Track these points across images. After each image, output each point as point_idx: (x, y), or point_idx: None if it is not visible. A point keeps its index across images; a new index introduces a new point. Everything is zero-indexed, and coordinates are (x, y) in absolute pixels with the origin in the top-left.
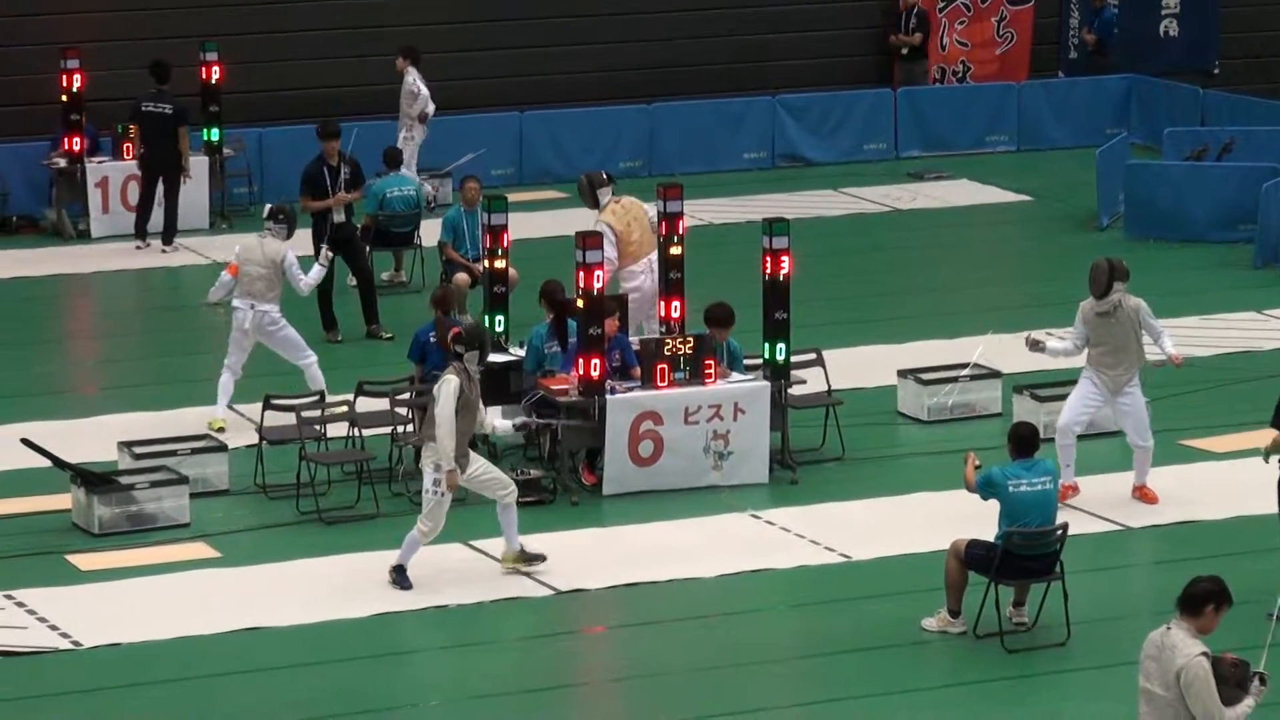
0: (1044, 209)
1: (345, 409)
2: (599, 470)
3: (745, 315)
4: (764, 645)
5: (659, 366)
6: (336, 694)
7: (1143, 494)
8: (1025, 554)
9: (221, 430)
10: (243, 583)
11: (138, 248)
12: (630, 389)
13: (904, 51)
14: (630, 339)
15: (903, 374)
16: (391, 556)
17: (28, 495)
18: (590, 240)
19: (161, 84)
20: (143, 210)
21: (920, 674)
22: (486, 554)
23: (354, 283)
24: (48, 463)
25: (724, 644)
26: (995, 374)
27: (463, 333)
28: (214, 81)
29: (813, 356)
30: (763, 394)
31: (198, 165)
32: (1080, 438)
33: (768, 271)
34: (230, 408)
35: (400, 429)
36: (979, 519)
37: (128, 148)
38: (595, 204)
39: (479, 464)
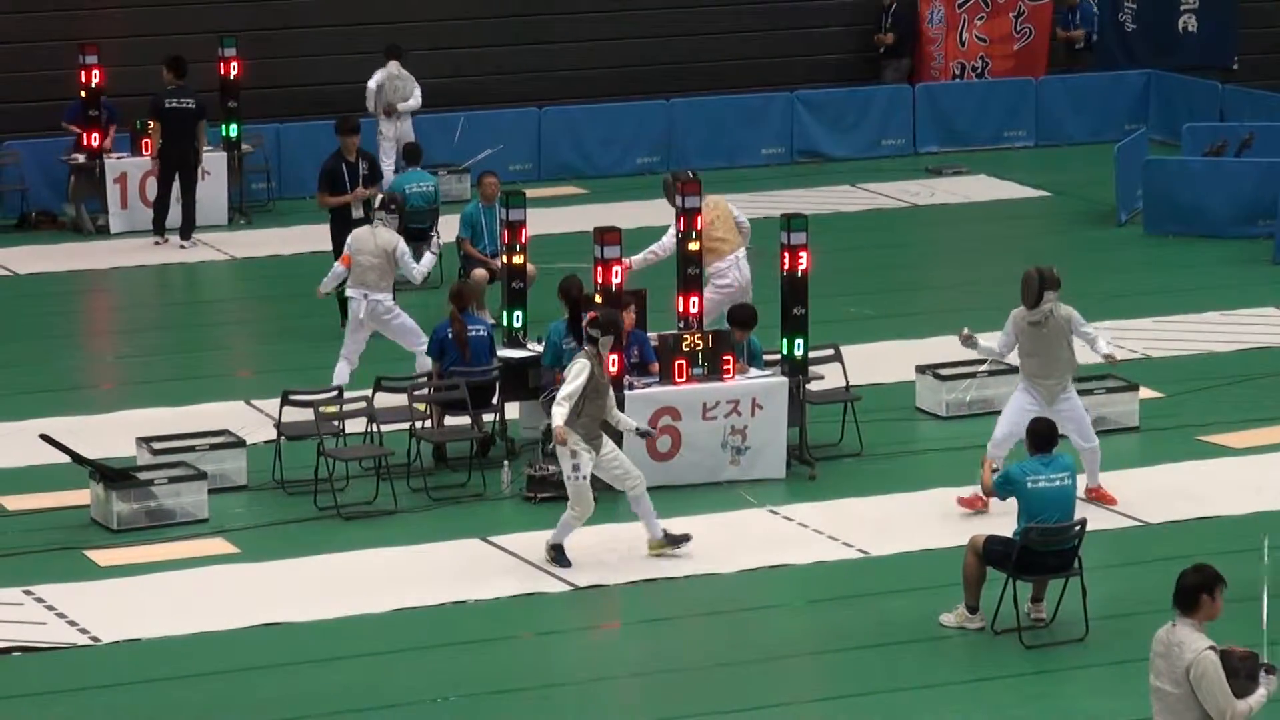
0: (1062, 204)
1: (364, 404)
2: None
3: (763, 311)
4: (782, 641)
5: (677, 362)
6: (356, 689)
7: (1098, 495)
8: (1044, 549)
9: (335, 419)
10: (261, 578)
11: (156, 243)
12: (649, 384)
13: (881, 50)
14: (649, 334)
15: (921, 369)
16: (409, 551)
17: (47, 491)
18: (608, 236)
19: (180, 79)
20: (160, 206)
21: (938, 669)
22: (505, 550)
23: None
24: (66, 458)
25: (742, 640)
26: (1013, 369)
27: (599, 317)
28: (232, 77)
29: (831, 352)
30: (781, 390)
31: (215, 161)
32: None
33: (786, 267)
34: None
35: (418, 425)
36: (997, 515)
37: (146, 143)
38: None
39: (611, 450)
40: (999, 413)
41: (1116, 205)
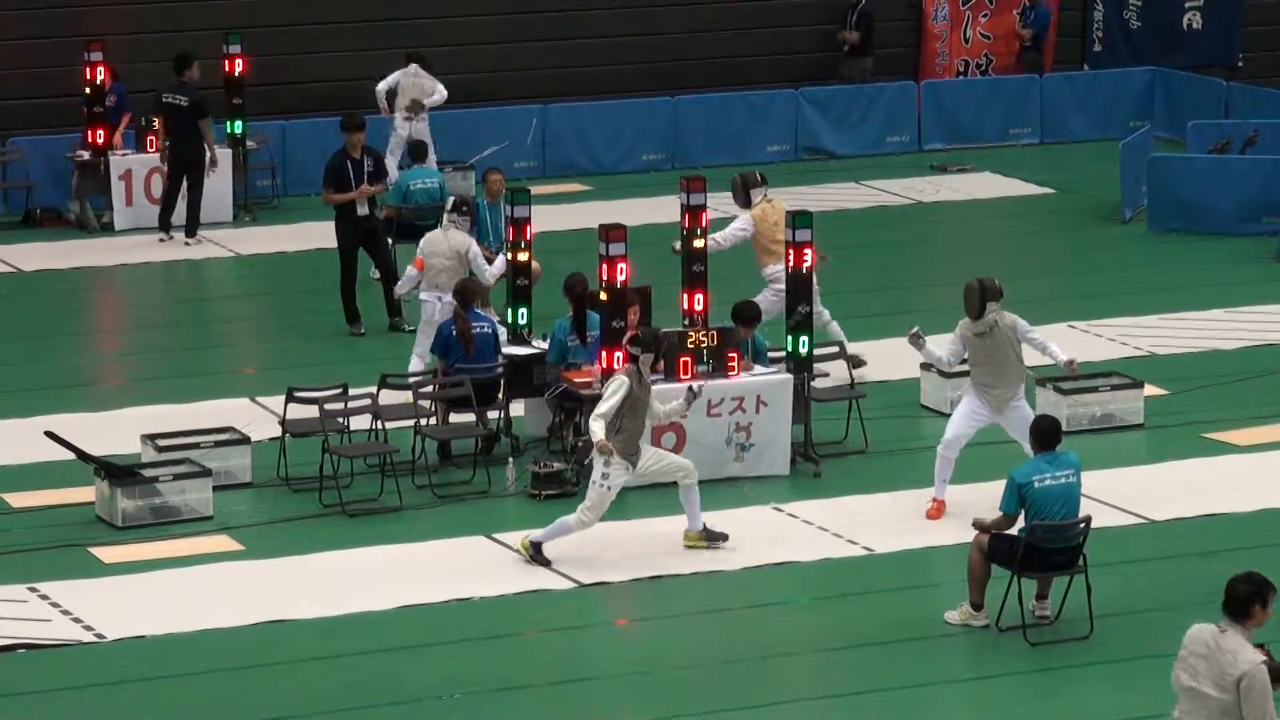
0: (1067, 202)
1: (368, 401)
2: None
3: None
4: (786, 638)
5: (682, 359)
6: (360, 686)
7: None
8: (1048, 547)
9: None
10: (266, 575)
11: (160, 240)
12: (653, 381)
13: (845, 49)
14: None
15: (925, 367)
16: (413, 548)
17: (51, 488)
18: (614, 233)
19: (179, 75)
20: (166, 203)
21: (943, 667)
22: (509, 547)
23: (377, 276)
24: (71, 455)
25: (746, 637)
26: None
27: (639, 335)
28: (238, 74)
29: (836, 349)
30: (785, 387)
31: (220, 157)
32: (1102, 430)
33: (791, 264)
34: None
35: (423, 422)
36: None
37: (151, 140)
38: (747, 203)
39: (650, 455)
40: None
41: (1121, 203)
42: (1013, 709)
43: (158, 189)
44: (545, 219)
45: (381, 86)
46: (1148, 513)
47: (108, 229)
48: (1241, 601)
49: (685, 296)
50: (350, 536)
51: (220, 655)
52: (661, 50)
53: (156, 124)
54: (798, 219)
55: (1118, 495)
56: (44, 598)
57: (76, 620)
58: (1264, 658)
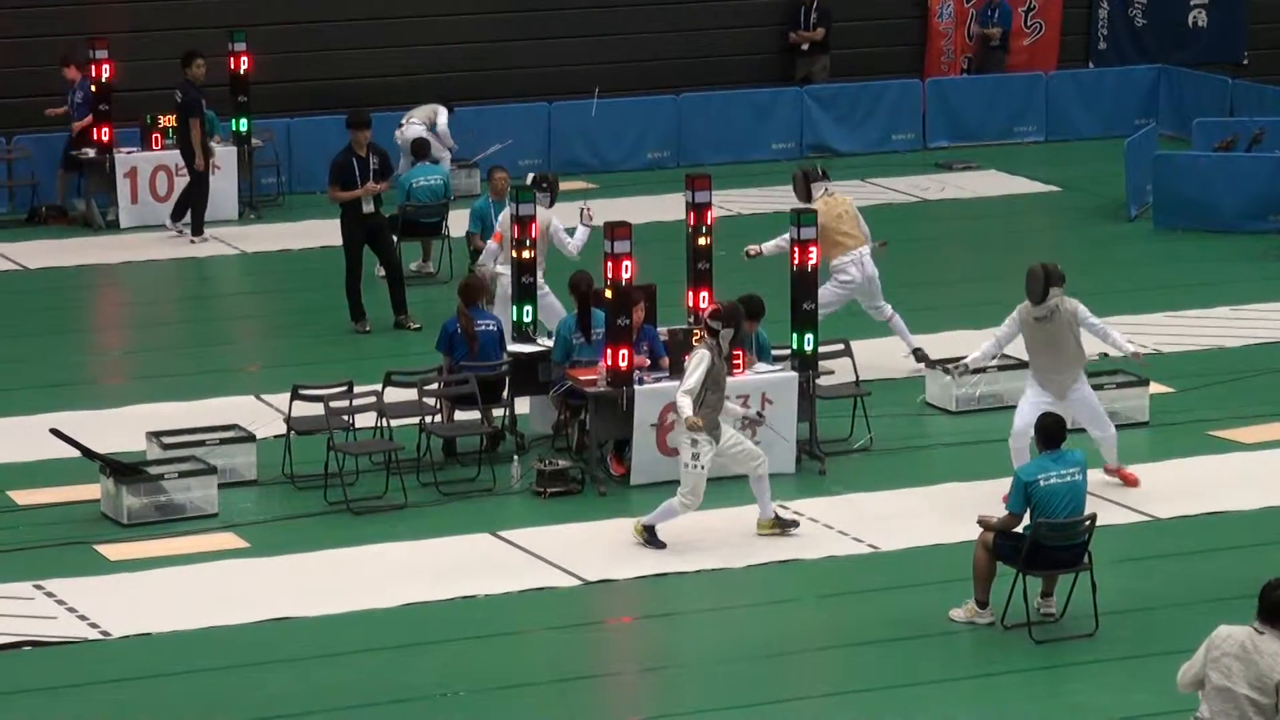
0: (1072, 199)
1: (373, 399)
2: (627, 460)
3: (773, 306)
4: (791, 636)
5: (687, 357)
6: (365, 684)
7: (1120, 475)
8: (1054, 544)
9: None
10: (271, 573)
11: (170, 235)
12: (659, 379)
13: (804, 48)
14: (659, 329)
15: (931, 364)
16: (418, 546)
17: (57, 485)
18: (618, 231)
19: (183, 70)
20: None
21: (948, 665)
22: (515, 544)
23: (382, 273)
24: (76, 453)
25: (752, 635)
26: (1023, 364)
27: (720, 310)
28: (242, 72)
29: (841, 347)
30: (790, 384)
31: (226, 155)
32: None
33: (795, 262)
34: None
35: (428, 419)
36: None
37: (156, 137)
38: (808, 197)
39: (731, 436)
40: (1009, 408)
41: (1126, 200)
42: (1018, 706)
43: (163, 186)
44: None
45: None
46: (1153, 510)
47: (113, 226)
48: (1278, 606)
49: (690, 294)
50: (355, 534)
51: (225, 653)
52: (665, 47)
53: (163, 122)
54: (802, 217)
55: (1123, 493)
56: (49, 595)
57: (82, 618)
58: None
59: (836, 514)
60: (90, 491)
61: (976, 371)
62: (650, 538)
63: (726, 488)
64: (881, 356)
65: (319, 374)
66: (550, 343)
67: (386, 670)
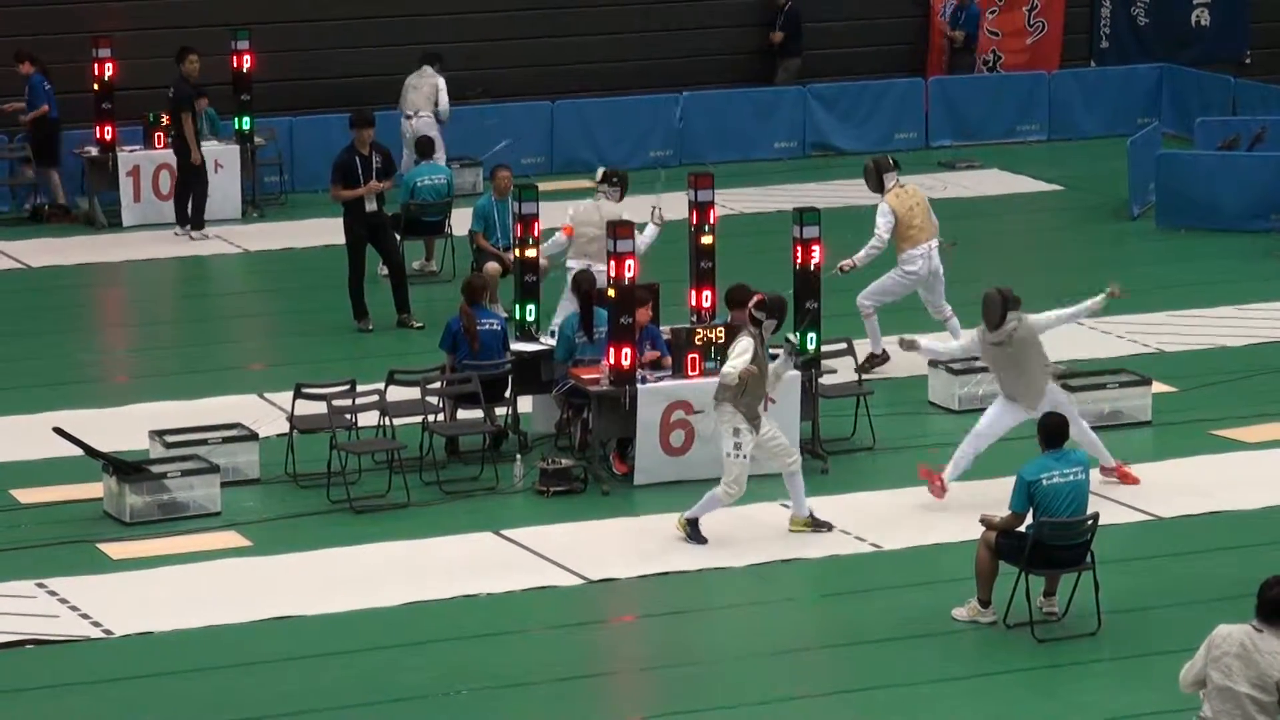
0: (1075, 199)
1: (376, 398)
2: (630, 460)
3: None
4: (794, 635)
5: (690, 356)
6: (367, 682)
7: (1119, 474)
8: (1056, 544)
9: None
10: (273, 571)
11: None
12: (661, 378)
13: (775, 48)
14: (661, 328)
15: (933, 363)
16: (421, 545)
17: (59, 484)
18: (621, 230)
19: (178, 66)
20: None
21: (950, 664)
22: (518, 543)
23: (385, 272)
24: (79, 451)
25: (754, 633)
26: None
27: (766, 300)
28: (245, 70)
29: (843, 346)
30: (793, 383)
31: (228, 154)
32: (1110, 427)
33: (798, 261)
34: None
35: (431, 418)
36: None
37: (159, 136)
38: (880, 188)
39: (769, 430)
40: None
41: (1129, 199)
42: (1020, 705)
43: (165, 185)
44: (553, 215)
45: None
46: (1155, 510)
47: (116, 225)
48: (1276, 605)
49: (693, 293)
50: (358, 533)
51: (227, 651)
52: (668, 46)
53: (165, 120)
54: (805, 216)
55: (1125, 492)
56: (52, 593)
57: (84, 616)
58: None
59: (839, 513)
60: (93, 490)
61: (910, 346)
62: (693, 531)
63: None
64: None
65: (322, 373)
66: (553, 341)
67: (389, 669)
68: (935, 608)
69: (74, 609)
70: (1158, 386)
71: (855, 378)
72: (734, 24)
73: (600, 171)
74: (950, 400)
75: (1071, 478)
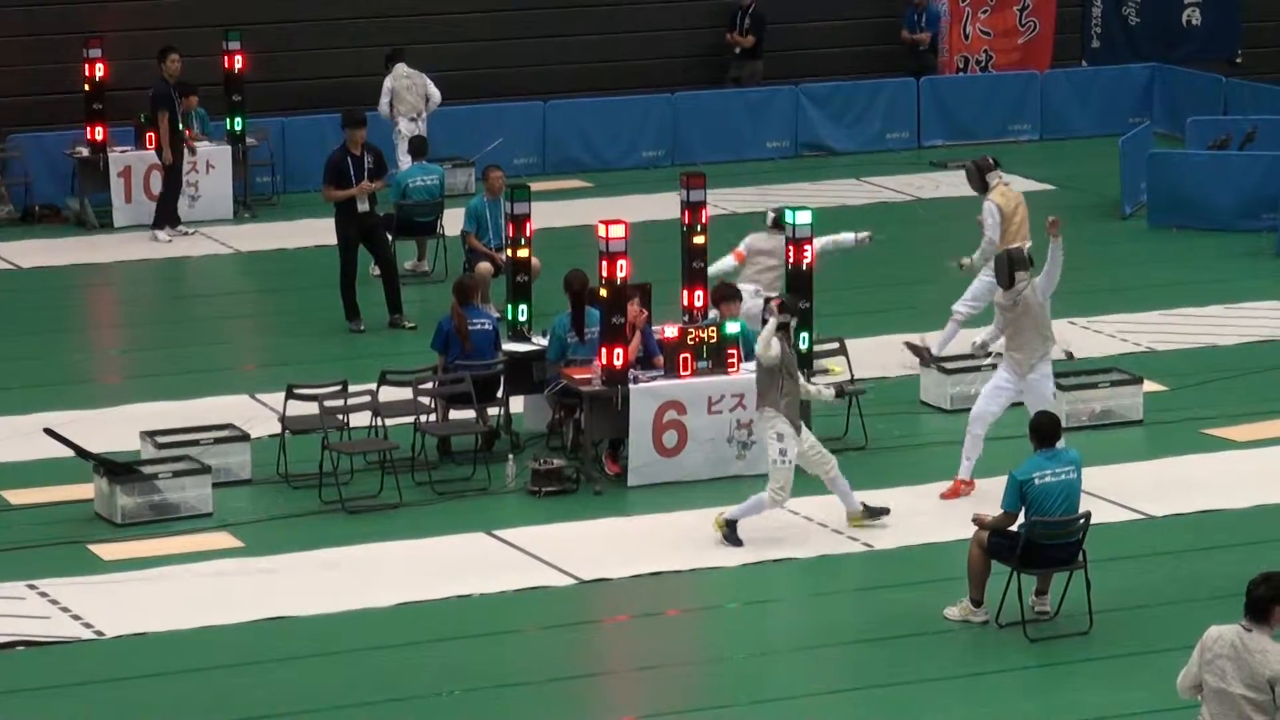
0: (1067, 198)
1: (368, 398)
2: (622, 460)
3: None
4: (786, 635)
5: (682, 356)
6: (360, 683)
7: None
8: (1048, 543)
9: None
10: (266, 572)
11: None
12: (653, 378)
13: (737, 50)
14: (654, 328)
15: (925, 363)
16: (413, 545)
17: (50, 485)
18: (614, 229)
19: (158, 65)
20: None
21: (943, 663)
22: (510, 544)
23: (377, 272)
24: (70, 452)
25: (746, 633)
26: None
27: (784, 302)
28: (237, 70)
29: (836, 346)
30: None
31: (220, 155)
32: (1102, 427)
33: (791, 260)
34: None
35: (423, 418)
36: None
37: (150, 137)
38: (984, 187)
39: (810, 439)
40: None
41: (1121, 199)
42: (1013, 705)
43: (157, 185)
44: (546, 215)
45: (384, 105)
46: (1147, 509)
47: (107, 226)
48: (1262, 603)
49: (685, 293)
50: (350, 533)
51: (220, 652)
52: (659, 46)
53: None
54: (798, 215)
55: (1117, 491)
56: (43, 595)
57: (76, 617)
58: None
59: (831, 512)
60: (84, 491)
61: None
62: (730, 533)
63: (720, 488)
64: (876, 355)
65: (314, 373)
66: (545, 341)
67: (382, 669)
68: (927, 607)
69: (65, 610)
70: (1149, 385)
71: (849, 376)
72: (692, 25)
73: (771, 215)
74: (942, 400)
75: (1064, 477)
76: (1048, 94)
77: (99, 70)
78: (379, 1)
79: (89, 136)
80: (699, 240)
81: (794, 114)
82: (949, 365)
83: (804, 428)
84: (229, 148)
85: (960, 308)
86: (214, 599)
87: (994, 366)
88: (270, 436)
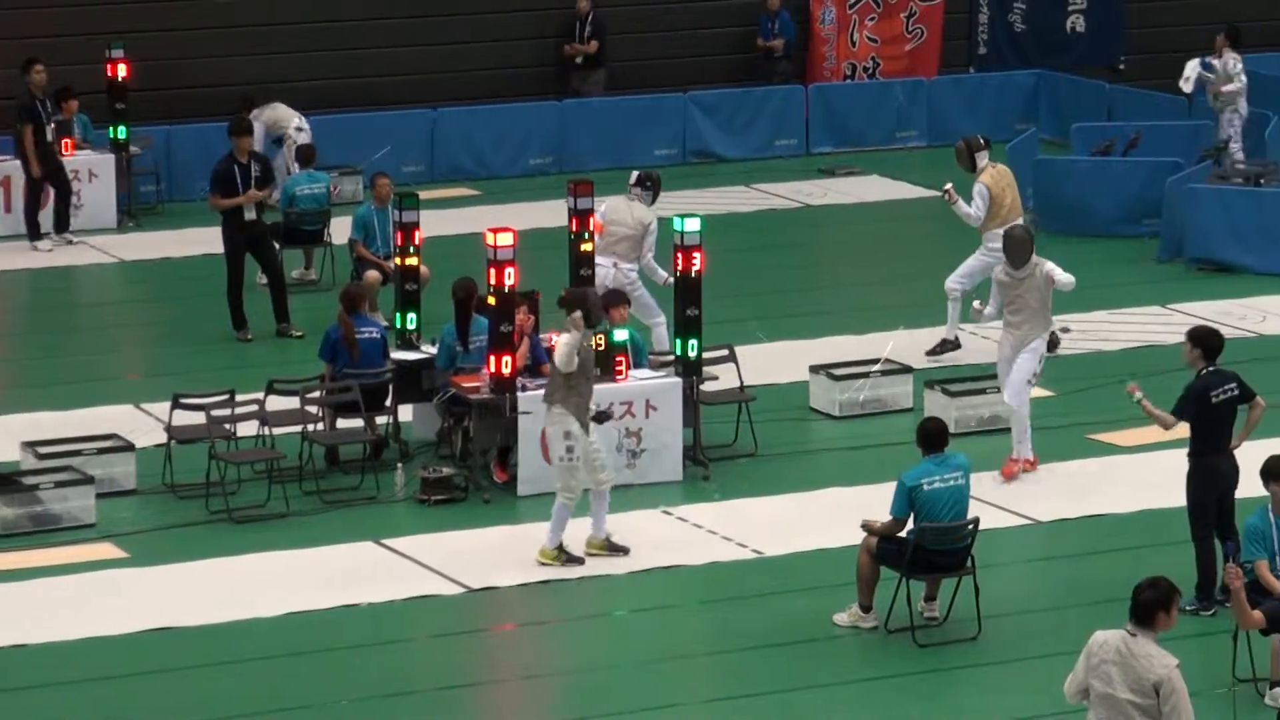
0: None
1: (255, 407)
2: (511, 468)
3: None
4: (675, 642)
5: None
6: (248, 694)
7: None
8: (937, 549)
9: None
10: (152, 582)
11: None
12: (541, 387)
13: (579, 60)
14: (541, 336)
15: (814, 369)
16: (301, 555)
17: None
18: (501, 237)
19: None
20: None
21: (832, 669)
22: (398, 552)
23: (264, 281)
24: None
25: (636, 641)
26: (906, 369)
27: (566, 295)
28: (121, 78)
29: (725, 353)
30: (675, 391)
31: (103, 164)
32: (990, 432)
33: (680, 268)
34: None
35: (310, 427)
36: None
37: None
38: (973, 167)
39: (596, 440)
40: (892, 412)
41: None
42: (902, 710)
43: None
44: (434, 223)
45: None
46: (1034, 514)
47: None
48: (1147, 607)
49: None
50: (237, 543)
51: (105, 663)
52: (547, 54)
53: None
54: (686, 222)
55: (1005, 497)
56: None
57: None
58: (1176, 660)
59: (720, 519)
60: None
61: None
62: (566, 556)
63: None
64: (766, 361)
65: (200, 382)
66: (434, 349)
67: (270, 680)
68: (817, 613)
69: None
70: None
71: (739, 384)
72: (528, 36)
73: (634, 174)
74: (831, 406)
75: (952, 483)
76: (935, 101)
77: None
78: (267, 9)
79: None
80: (586, 248)
81: (682, 121)
82: (837, 372)
83: (594, 429)
84: (112, 156)
85: (954, 284)
86: (98, 610)
87: (881, 373)
88: (156, 446)
